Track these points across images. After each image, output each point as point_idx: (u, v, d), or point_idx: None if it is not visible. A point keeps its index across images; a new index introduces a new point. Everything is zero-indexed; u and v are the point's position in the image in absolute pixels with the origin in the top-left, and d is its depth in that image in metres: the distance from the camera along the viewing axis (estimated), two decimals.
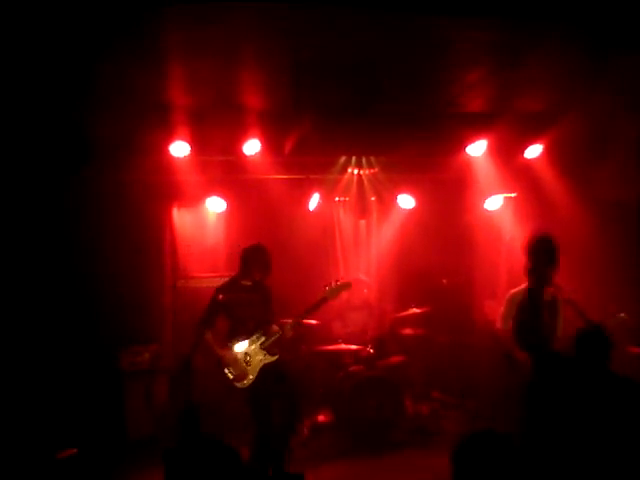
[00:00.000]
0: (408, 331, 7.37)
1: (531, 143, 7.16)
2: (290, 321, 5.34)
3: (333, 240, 8.05)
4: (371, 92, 5.90)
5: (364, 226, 8.19)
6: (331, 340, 7.04)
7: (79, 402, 5.86)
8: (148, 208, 6.95)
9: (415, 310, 7.22)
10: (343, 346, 6.89)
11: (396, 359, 6.98)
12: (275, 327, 5.29)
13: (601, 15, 4.40)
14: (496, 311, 6.15)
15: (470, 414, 6.93)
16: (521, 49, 5.01)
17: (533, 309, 5.76)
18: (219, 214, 7.48)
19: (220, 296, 5.35)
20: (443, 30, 4.66)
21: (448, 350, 7.59)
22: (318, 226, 7.68)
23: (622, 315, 5.58)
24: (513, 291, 5.93)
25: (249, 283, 5.40)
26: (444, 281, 7.89)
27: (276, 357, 5.28)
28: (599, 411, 3.49)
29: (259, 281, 5.41)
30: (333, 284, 5.47)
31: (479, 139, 7.06)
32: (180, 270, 7.35)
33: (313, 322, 6.90)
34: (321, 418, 6.57)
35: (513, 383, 5.60)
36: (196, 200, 7.33)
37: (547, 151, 7.18)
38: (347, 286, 5.57)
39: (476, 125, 6.86)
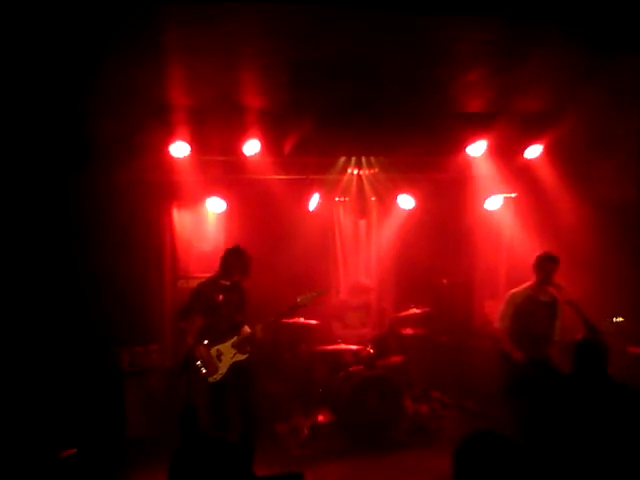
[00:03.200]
0: (408, 331, 7.37)
1: (531, 143, 7.16)
2: (262, 324, 5.52)
3: (333, 240, 8.05)
4: (371, 92, 5.90)
5: (364, 226, 8.18)
6: (331, 340, 7.04)
7: (79, 402, 5.86)
8: (148, 208, 6.94)
9: (415, 310, 7.21)
10: (343, 346, 6.89)
11: (396, 359, 6.98)
12: (247, 328, 5.49)
13: (601, 15, 4.41)
14: (496, 311, 6.16)
15: (470, 414, 6.94)
16: (521, 49, 5.01)
17: (531, 310, 5.79)
18: (219, 214, 7.47)
19: (200, 294, 5.63)
20: (443, 30, 4.66)
21: (448, 350, 7.59)
22: (318, 226, 7.67)
23: (619, 320, 5.58)
24: (513, 291, 5.94)
25: (227, 283, 5.61)
26: (444, 281, 7.89)
27: (246, 355, 5.51)
28: (599, 417, 3.50)
29: (237, 282, 5.64)
30: (307, 293, 5.70)
31: (479, 139, 7.06)
32: (180, 270, 7.34)
33: (313, 322, 6.91)
34: (321, 418, 6.56)
35: (509, 382, 5.64)
36: (196, 200, 7.32)
37: (547, 151, 7.18)
38: (322, 293, 5.83)
39: (476, 125, 6.86)
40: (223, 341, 5.48)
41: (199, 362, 5.40)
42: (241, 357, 5.48)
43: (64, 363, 5.82)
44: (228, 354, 5.46)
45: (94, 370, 6.20)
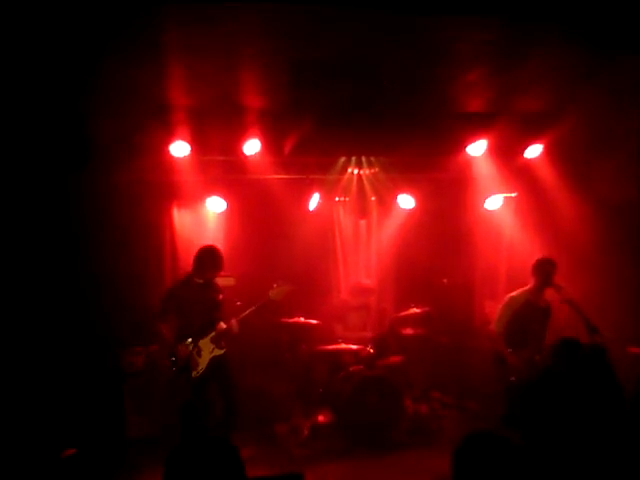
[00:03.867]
0: (408, 331, 7.38)
1: (531, 143, 7.15)
2: (236, 318, 5.72)
3: (333, 240, 8.05)
4: (371, 92, 5.90)
5: (364, 226, 8.18)
6: (331, 340, 7.04)
7: (79, 402, 5.86)
8: (148, 208, 6.94)
9: (415, 310, 7.21)
10: (343, 346, 6.89)
11: (396, 359, 6.98)
12: (222, 324, 5.70)
13: (601, 15, 4.41)
14: (496, 311, 6.16)
15: (470, 414, 6.94)
16: (521, 49, 5.01)
17: (529, 316, 5.80)
18: (219, 214, 7.48)
19: (174, 292, 5.82)
20: (443, 30, 4.66)
21: (448, 350, 7.58)
22: (318, 226, 7.67)
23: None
24: (512, 295, 5.94)
25: (201, 281, 5.78)
26: (444, 281, 7.88)
27: (224, 350, 5.72)
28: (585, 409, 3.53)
29: (210, 279, 5.82)
30: (275, 286, 5.87)
31: (479, 139, 7.06)
32: (180, 270, 7.32)
33: (313, 322, 6.91)
34: (321, 418, 6.56)
35: (502, 382, 5.65)
36: (196, 200, 7.33)
37: (547, 151, 7.17)
38: (290, 288, 5.94)
39: (476, 125, 6.85)
40: (201, 337, 5.67)
41: (181, 360, 5.61)
42: (219, 352, 5.70)
43: (64, 363, 5.82)
44: (207, 349, 5.68)
45: (94, 370, 6.20)
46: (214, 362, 5.67)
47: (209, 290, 5.79)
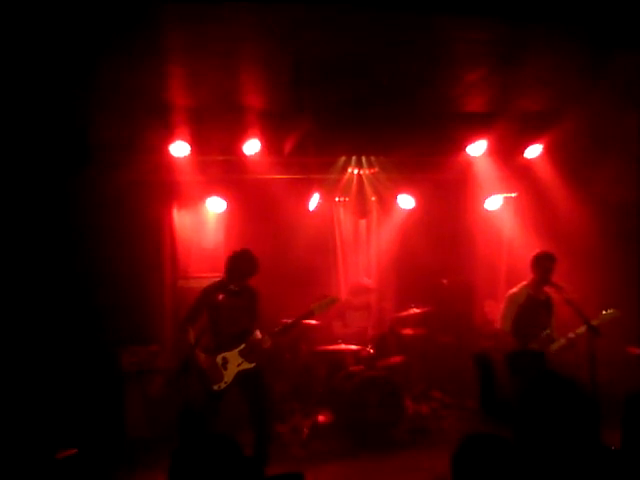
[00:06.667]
0: (408, 331, 7.38)
1: (531, 143, 7.16)
2: (269, 333, 5.33)
3: (333, 240, 8.05)
4: (371, 92, 5.90)
5: (364, 226, 8.18)
6: (331, 340, 7.04)
7: (79, 402, 5.86)
8: (148, 208, 6.95)
9: (415, 310, 7.22)
10: (343, 346, 6.89)
11: (396, 359, 6.98)
12: (255, 336, 5.26)
13: (601, 15, 4.41)
14: (496, 311, 6.16)
15: (470, 414, 6.94)
16: (521, 49, 5.01)
17: (534, 309, 5.81)
18: (219, 214, 7.48)
19: (207, 297, 5.40)
20: (443, 30, 4.66)
21: (448, 350, 7.59)
22: (318, 226, 7.67)
23: (610, 311, 5.59)
24: (513, 291, 5.95)
25: (236, 288, 5.39)
26: (444, 281, 7.88)
27: (254, 365, 5.29)
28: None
29: (247, 286, 5.43)
30: (321, 300, 5.53)
31: (479, 139, 7.06)
32: (180, 270, 7.34)
33: (313, 322, 6.91)
34: (321, 418, 6.56)
35: (514, 383, 5.63)
36: (196, 200, 7.33)
37: (547, 151, 7.18)
38: (334, 302, 5.64)
39: (476, 125, 6.86)
40: (229, 348, 5.26)
41: (201, 369, 5.20)
42: (248, 366, 5.26)
43: (64, 363, 5.82)
44: (234, 362, 5.25)
45: (94, 370, 6.20)
46: (240, 376, 5.24)
47: (242, 298, 5.35)
